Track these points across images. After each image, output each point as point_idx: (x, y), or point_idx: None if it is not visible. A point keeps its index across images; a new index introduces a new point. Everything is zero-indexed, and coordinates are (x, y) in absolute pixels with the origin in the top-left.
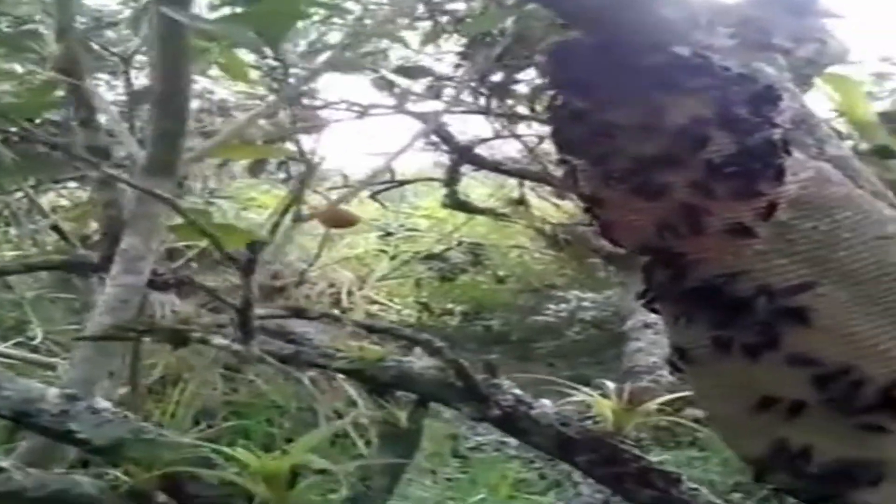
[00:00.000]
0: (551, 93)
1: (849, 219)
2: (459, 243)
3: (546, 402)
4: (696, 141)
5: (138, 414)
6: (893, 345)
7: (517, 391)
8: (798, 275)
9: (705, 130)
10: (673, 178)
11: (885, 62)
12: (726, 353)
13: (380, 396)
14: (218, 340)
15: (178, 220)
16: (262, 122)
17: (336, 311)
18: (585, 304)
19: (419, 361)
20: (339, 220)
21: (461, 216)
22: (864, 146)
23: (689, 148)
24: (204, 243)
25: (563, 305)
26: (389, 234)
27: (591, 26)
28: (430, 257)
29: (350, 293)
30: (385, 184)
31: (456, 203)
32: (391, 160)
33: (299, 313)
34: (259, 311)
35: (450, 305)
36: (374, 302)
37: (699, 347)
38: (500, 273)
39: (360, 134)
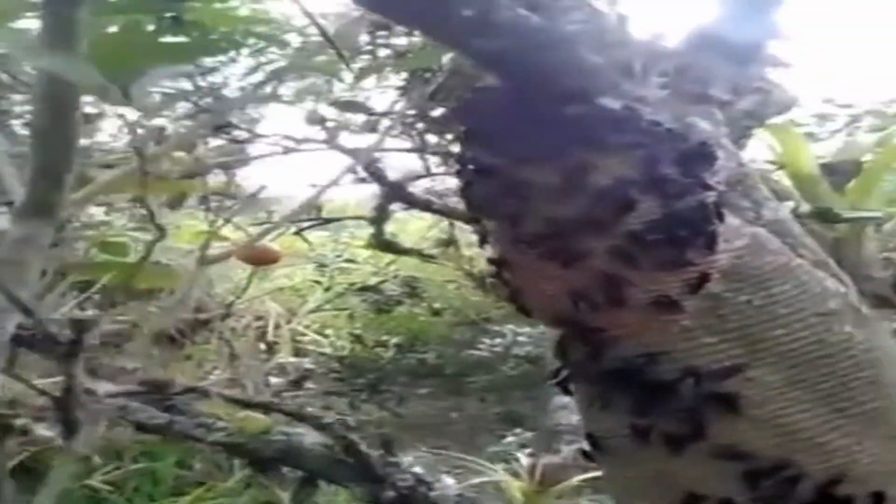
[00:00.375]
0: (460, 145)
1: (786, 293)
2: (396, 276)
3: (449, 481)
4: (619, 204)
5: None
6: (833, 437)
7: (417, 469)
8: (729, 355)
9: (630, 192)
10: (592, 243)
11: (828, 103)
12: (646, 443)
13: (262, 472)
14: (42, 431)
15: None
16: (180, 154)
17: (263, 346)
18: (521, 338)
19: (309, 435)
20: (259, 258)
21: (416, 242)
22: (805, 207)
23: (612, 211)
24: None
25: (498, 340)
26: (325, 265)
27: (505, 71)
28: (365, 289)
29: (277, 326)
30: (311, 220)
31: (382, 243)
32: (317, 196)
33: (158, 388)
34: (109, 387)
35: (384, 338)
36: (304, 335)
37: (615, 436)
38: (437, 305)
39: (299, 168)
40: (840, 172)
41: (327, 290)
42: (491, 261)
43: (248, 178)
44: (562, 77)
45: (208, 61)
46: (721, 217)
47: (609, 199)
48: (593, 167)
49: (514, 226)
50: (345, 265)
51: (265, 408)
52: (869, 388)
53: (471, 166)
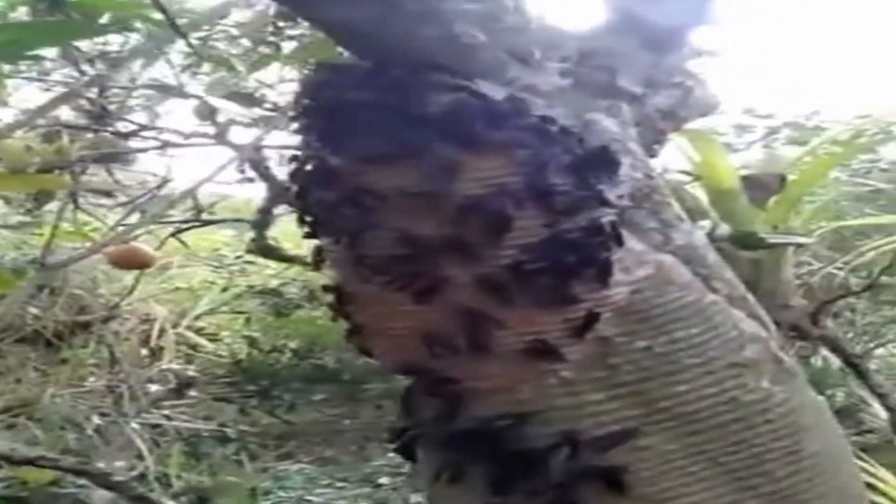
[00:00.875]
0: (297, 139)
1: (694, 338)
2: (296, 279)
3: None
4: (491, 221)
5: None
6: None
7: None
8: (617, 417)
9: (506, 206)
10: (453, 271)
11: (748, 114)
12: None
13: None
14: None
15: None
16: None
17: (146, 350)
18: None
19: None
20: (130, 261)
21: (304, 247)
22: (723, 229)
23: (481, 230)
24: None
25: None
26: (223, 266)
27: (361, 44)
28: (265, 292)
29: (162, 331)
30: (188, 223)
31: (262, 249)
32: (189, 193)
33: None
34: None
35: (281, 342)
36: (196, 339)
37: None
38: None
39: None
40: (760, 187)
41: (224, 290)
42: (327, 288)
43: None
44: (431, 56)
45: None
46: (619, 241)
47: (479, 214)
48: (461, 171)
49: (354, 245)
50: (246, 266)
51: (30, 463)
52: (787, 461)
53: (307, 166)
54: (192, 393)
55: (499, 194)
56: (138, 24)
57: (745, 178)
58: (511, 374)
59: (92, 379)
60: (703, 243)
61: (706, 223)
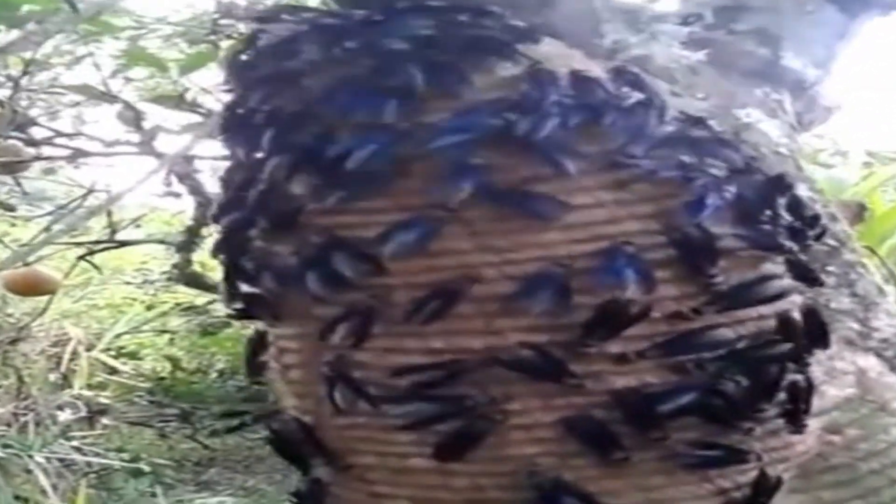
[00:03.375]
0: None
1: None
2: None
3: None
4: (598, 316)
5: None
6: None
7: None
8: None
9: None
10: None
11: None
12: None
13: None
14: None
15: None
16: None
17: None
18: None
19: None
20: (30, 287)
21: None
22: None
23: (575, 336)
24: None
25: None
26: (148, 281)
27: None
28: (191, 308)
29: (74, 354)
30: (100, 243)
31: (186, 277)
32: (103, 209)
33: None
34: None
35: (206, 362)
36: (112, 361)
37: None
38: None
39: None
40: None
41: (149, 308)
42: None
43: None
44: None
45: None
46: (825, 341)
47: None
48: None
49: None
50: (170, 282)
51: None
52: None
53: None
54: (105, 421)
55: (606, 267)
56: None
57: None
58: None
59: None
60: None
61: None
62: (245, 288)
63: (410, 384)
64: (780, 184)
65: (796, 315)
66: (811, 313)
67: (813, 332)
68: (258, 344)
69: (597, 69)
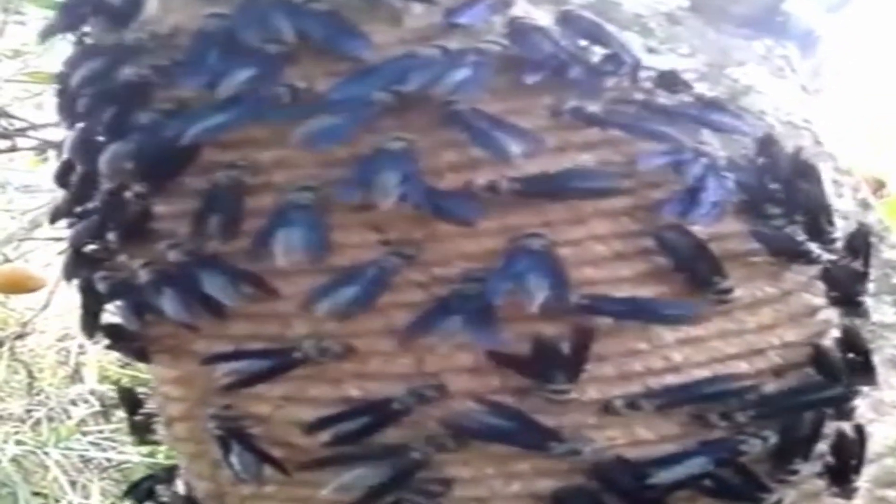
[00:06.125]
0: None
1: None
2: None
3: None
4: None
5: None
6: None
7: None
8: None
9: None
10: None
11: None
12: None
13: None
14: None
15: None
16: None
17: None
18: None
19: None
20: (16, 285)
21: None
22: None
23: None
24: None
25: None
26: None
27: None
28: None
29: (82, 347)
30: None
31: None
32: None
33: None
34: None
35: None
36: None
37: None
38: None
39: None
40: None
41: None
42: None
43: None
44: None
45: None
46: (871, 376)
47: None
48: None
49: None
50: None
51: None
52: None
53: None
54: (120, 414)
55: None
56: None
57: None
58: None
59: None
60: None
61: None
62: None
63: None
64: (797, 164)
65: (831, 341)
66: (851, 337)
67: (855, 362)
68: (129, 395)
69: (541, 15)
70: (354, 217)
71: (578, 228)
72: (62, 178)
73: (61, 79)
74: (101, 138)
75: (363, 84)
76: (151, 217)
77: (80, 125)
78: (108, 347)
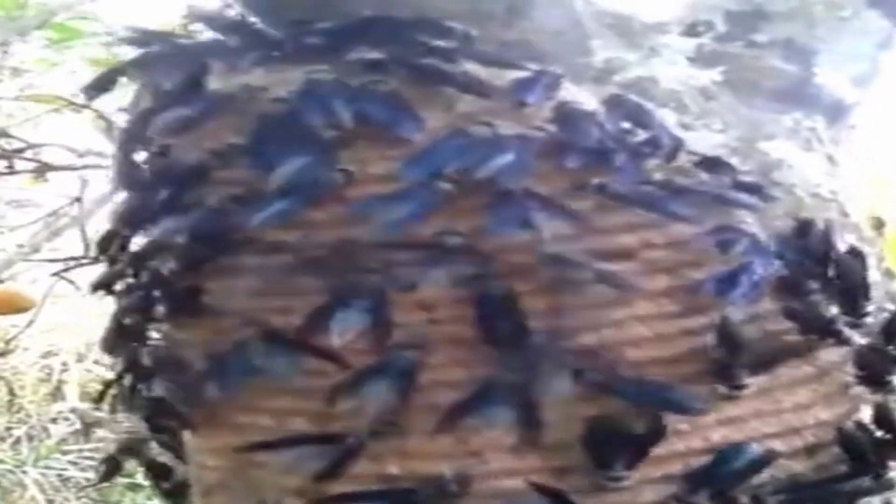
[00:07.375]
0: None
1: None
2: None
3: None
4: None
5: None
6: None
7: None
8: None
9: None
10: None
11: None
12: None
13: None
14: None
15: None
16: None
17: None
18: None
19: None
20: (5, 305)
21: None
22: None
23: None
24: None
25: None
26: None
27: None
28: None
29: (65, 365)
30: (76, 259)
31: None
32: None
33: None
34: None
35: None
36: (105, 373)
37: None
38: None
39: None
40: None
41: None
42: None
43: None
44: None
45: None
46: None
47: None
48: None
49: None
50: None
51: None
52: None
53: None
54: (100, 434)
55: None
56: None
57: None
58: None
59: None
60: None
61: None
62: (146, 391)
63: None
64: (826, 240)
65: (862, 420)
66: (883, 415)
67: (887, 443)
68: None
69: (588, 99)
70: (406, 297)
71: (622, 309)
72: (104, 246)
73: (123, 149)
74: (154, 212)
75: (428, 166)
76: (203, 292)
77: (135, 195)
78: (147, 421)
